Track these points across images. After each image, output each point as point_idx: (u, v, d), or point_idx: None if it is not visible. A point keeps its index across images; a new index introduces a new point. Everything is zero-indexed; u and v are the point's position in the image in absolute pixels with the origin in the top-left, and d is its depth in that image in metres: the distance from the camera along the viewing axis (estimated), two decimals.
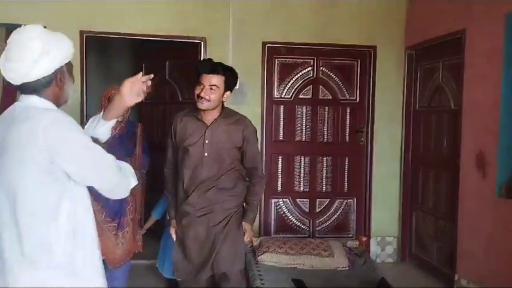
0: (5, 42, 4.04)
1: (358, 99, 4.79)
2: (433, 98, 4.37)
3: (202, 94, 2.57)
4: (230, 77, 2.65)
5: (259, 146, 4.48)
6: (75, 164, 1.58)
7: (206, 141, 2.64)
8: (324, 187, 4.83)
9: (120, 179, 1.69)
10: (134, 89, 1.73)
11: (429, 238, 4.38)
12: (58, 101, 1.70)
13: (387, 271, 3.64)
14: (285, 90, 4.73)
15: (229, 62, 4.52)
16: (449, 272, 3.90)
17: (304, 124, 4.76)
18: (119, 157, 2.68)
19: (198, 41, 4.51)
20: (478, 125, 3.59)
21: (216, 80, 2.58)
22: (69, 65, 1.70)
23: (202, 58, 2.70)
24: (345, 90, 4.78)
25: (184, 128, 2.71)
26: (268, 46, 4.60)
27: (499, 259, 3.32)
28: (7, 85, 4.24)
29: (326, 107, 4.76)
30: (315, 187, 4.81)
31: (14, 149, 1.53)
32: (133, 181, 1.77)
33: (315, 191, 4.81)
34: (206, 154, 2.63)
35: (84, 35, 4.31)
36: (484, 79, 3.52)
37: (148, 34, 4.48)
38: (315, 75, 4.75)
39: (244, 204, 2.78)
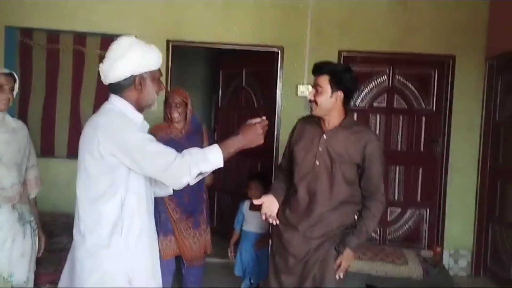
0: (99, 50, 4.47)
1: (434, 109, 4.75)
2: None
3: (308, 97, 2.43)
4: (337, 75, 2.36)
5: None
6: (124, 157, 1.76)
7: (320, 149, 2.40)
8: (396, 196, 4.82)
9: (170, 166, 1.75)
10: (255, 132, 1.90)
11: (506, 253, 4.25)
12: (140, 105, 1.89)
13: (461, 284, 3.60)
14: (360, 98, 4.78)
15: (305, 71, 4.67)
16: None
17: (378, 133, 4.79)
18: None
19: (276, 49, 4.67)
20: None
21: (320, 79, 2.36)
22: (153, 73, 1.87)
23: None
24: (421, 99, 4.75)
25: (301, 132, 2.53)
26: (344, 55, 4.67)
27: None
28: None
29: (401, 116, 4.76)
30: (387, 196, 4.79)
31: (86, 139, 1.82)
32: (193, 170, 1.79)
33: (388, 200, 4.79)
34: (317, 163, 2.40)
35: (170, 43, 4.60)
36: None
37: (229, 43, 4.69)
38: (390, 84, 4.77)
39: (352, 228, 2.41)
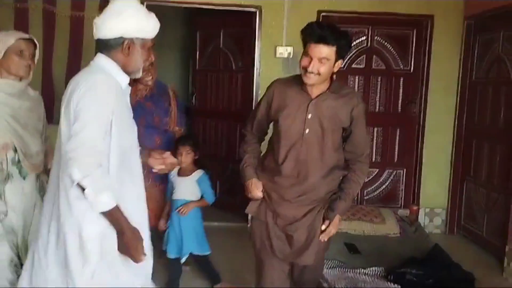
0: (71, 10, 4.22)
1: (412, 70, 4.76)
2: (490, 69, 4.30)
3: (309, 68, 2.14)
4: (344, 46, 2.18)
5: None
6: (75, 113, 1.69)
7: (309, 116, 2.24)
8: (374, 157, 4.88)
9: (82, 163, 1.62)
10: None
11: (480, 210, 4.38)
12: (126, 69, 1.83)
13: (436, 242, 3.70)
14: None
15: (283, 32, 4.60)
16: (499, 244, 3.92)
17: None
18: (156, 116, 3.02)
19: (253, 9, 4.57)
20: None
21: (327, 51, 2.12)
22: (145, 41, 1.81)
23: (310, 22, 2.17)
24: (399, 60, 4.75)
25: (284, 97, 2.32)
26: (323, 15, 4.60)
27: None
28: None
29: (379, 77, 4.76)
30: None
31: (64, 99, 1.76)
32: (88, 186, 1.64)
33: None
34: (307, 131, 2.25)
35: (145, 3, 4.44)
36: None
37: (206, 2, 4.57)
38: (369, 45, 4.74)
39: (338, 192, 2.34)
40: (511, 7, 3.87)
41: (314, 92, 2.25)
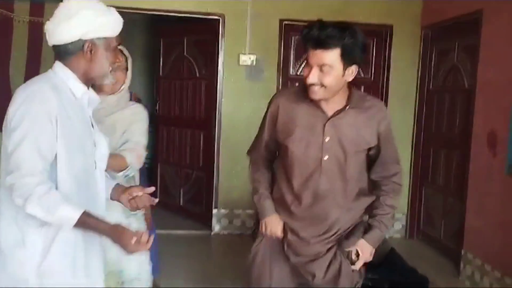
0: (29, 16, 4.03)
1: (372, 78, 4.86)
2: (447, 78, 4.43)
3: (309, 79, 1.77)
4: (351, 46, 1.76)
5: None
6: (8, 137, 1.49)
7: (327, 139, 1.84)
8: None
9: (14, 186, 1.44)
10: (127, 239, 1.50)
11: (438, 215, 4.49)
12: (87, 76, 1.61)
13: (395, 247, 3.76)
14: (301, 67, 4.80)
15: (247, 40, 4.63)
16: (456, 248, 4.02)
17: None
18: None
19: (217, 17, 4.59)
20: (491, 105, 3.65)
21: (328, 56, 1.75)
22: (109, 40, 1.59)
23: (311, 22, 1.80)
24: (359, 69, 4.81)
25: (291, 116, 1.90)
26: (285, 24, 4.66)
27: (506, 235, 3.42)
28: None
29: None
30: None
31: (8, 111, 1.53)
32: (29, 209, 1.45)
33: None
34: (326, 157, 1.86)
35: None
36: (500, 59, 3.57)
37: (167, 10, 4.55)
38: None
39: (369, 218, 1.99)
40: (465, 18, 4.01)
41: (330, 108, 1.85)
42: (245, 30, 4.62)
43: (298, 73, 4.79)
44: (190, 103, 5.15)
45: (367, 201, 1.97)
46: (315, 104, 1.85)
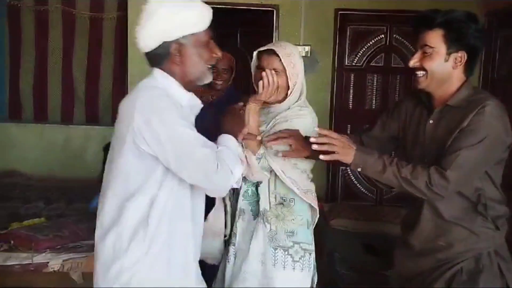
0: (89, 11, 4.00)
1: None
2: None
3: (410, 62, 1.69)
4: (456, 27, 1.63)
5: (328, 114, 4.52)
6: (158, 151, 1.40)
7: (424, 139, 1.72)
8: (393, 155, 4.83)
9: (213, 176, 1.42)
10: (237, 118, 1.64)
11: None
12: (184, 81, 1.49)
13: None
14: (357, 58, 4.71)
15: (301, 30, 4.58)
16: None
17: (374, 93, 4.74)
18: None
19: (270, 8, 4.56)
20: None
21: (430, 37, 1.64)
22: (197, 36, 1.45)
23: None
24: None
25: (411, 107, 1.82)
26: (340, 13, 4.57)
27: None
28: None
29: (398, 75, 4.70)
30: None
31: (120, 123, 1.45)
32: (236, 173, 1.48)
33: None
34: (426, 160, 1.68)
35: None
36: None
37: (221, 2, 4.57)
38: (387, 43, 4.68)
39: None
40: None
41: (439, 102, 1.71)
42: (299, 21, 4.57)
43: (354, 63, 4.70)
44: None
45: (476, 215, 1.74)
46: (427, 99, 1.75)
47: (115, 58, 4.67)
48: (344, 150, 1.62)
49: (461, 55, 1.64)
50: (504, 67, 4.34)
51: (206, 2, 4.91)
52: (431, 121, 1.72)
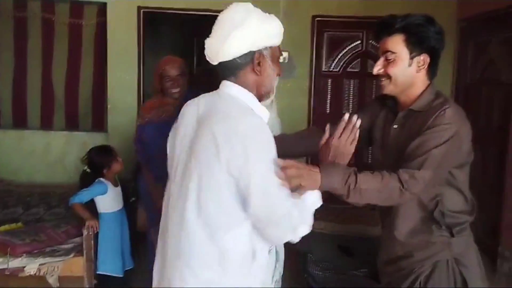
0: (69, 18, 3.93)
1: None
2: (484, 72, 4.34)
3: (374, 70, 1.71)
4: (417, 31, 1.65)
5: (306, 119, 4.59)
6: (247, 186, 1.32)
7: (390, 143, 1.75)
8: (369, 160, 4.92)
9: (286, 229, 1.38)
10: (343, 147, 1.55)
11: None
12: (259, 92, 1.47)
13: None
14: (334, 63, 4.80)
15: None
16: (493, 244, 3.95)
17: (351, 97, 4.84)
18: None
19: None
20: None
21: (391, 42, 1.66)
22: (274, 49, 1.47)
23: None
24: None
25: (376, 114, 1.87)
26: (317, 20, 4.66)
27: None
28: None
29: (374, 80, 4.80)
30: (361, 160, 4.90)
31: (208, 145, 1.34)
32: (300, 232, 1.41)
33: (361, 163, 4.90)
34: (386, 163, 1.71)
35: (142, 10, 4.52)
36: None
37: (201, 9, 4.63)
38: (363, 48, 4.79)
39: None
40: (503, 11, 3.91)
41: (403, 106, 1.75)
42: None
43: (331, 69, 4.79)
44: None
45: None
46: (394, 102, 1.77)
47: (94, 64, 4.70)
48: (310, 178, 1.47)
49: (424, 58, 1.66)
50: (477, 72, 4.47)
51: (189, 10, 4.95)
52: (395, 126, 1.74)
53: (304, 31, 4.69)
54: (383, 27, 1.69)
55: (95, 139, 4.35)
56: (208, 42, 1.46)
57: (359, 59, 4.80)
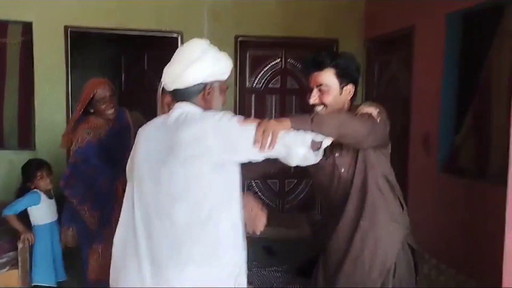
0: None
1: None
2: (388, 87, 4.87)
3: (311, 100, 2.01)
4: (344, 66, 1.99)
5: None
6: (242, 153, 1.61)
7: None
8: (292, 168, 5.28)
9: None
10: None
11: None
12: None
13: None
14: (256, 80, 5.16)
15: None
16: None
17: (274, 112, 5.21)
18: (123, 153, 2.33)
19: (175, 35, 4.88)
20: (424, 111, 4.10)
21: (324, 77, 1.98)
22: (222, 83, 1.73)
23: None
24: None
25: None
26: (240, 40, 5.00)
27: (441, 225, 3.85)
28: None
29: (294, 96, 5.21)
30: (284, 168, 5.25)
31: (185, 148, 1.56)
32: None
33: (284, 173, 5.27)
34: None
35: (69, 29, 4.62)
36: (430, 70, 4.02)
37: (128, 29, 4.81)
38: (283, 66, 5.19)
39: None
40: (401, 32, 4.46)
41: None
42: None
43: (254, 86, 5.14)
44: (152, 116, 5.38)
45: None
46: None
47: (20, 82, 4.71)
48: (279, 122, 1.64)
49: (350, 87, 2.02)
50: (382, 87, 5.00)
51: (115, 28, 5.09)
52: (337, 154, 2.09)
53: (228, 50, 4.85)
54: (316, 64, 2.01)
55: (23, 157, 4.35)
56: (167, 71, 1.69)
57: (279, 76, 5.19)
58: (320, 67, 1.98)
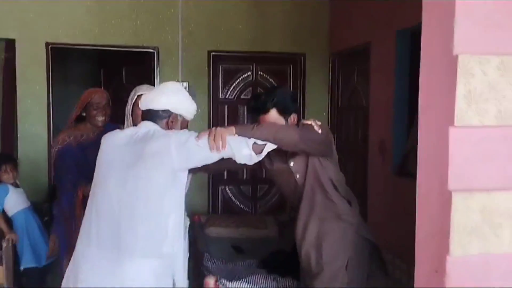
0: None
1: None
2: (350, 97, 5.24)
3: None
4: (282, 103, 2.30)
5: None
6: (199, 160, 1.99)
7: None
8: (264, 175, 5.61)
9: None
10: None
11: None
12: None
13: None
14: (229, 91, 5.49)
15: (179, 68, 5.25)
16: None
17: (245, 121, 5.53)
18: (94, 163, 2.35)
19: (152, 50, 5.19)
20: (380, 119, 4.48)
21: (269, 117, 2.28)
22: (184, 120, 2.15)
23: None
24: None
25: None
26: (213, 54, 5.33)
27: (395, 223, 4.20)
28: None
29: None
30: (256, 175, 5.58)
31: (152, 156, 1.94)
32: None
33: (257, 179, 5.60)
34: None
35: (50, 46, 4.90)
36: (384, 83, 4.40)
37: (107, 45, 5.10)
38: (254, 79, 5.53)
39: None
40: (360, 47, 4.84)
41: None
42: (177, 61, 5.25)
43: (227, 97, 5.47)
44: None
45: None
46: None
47: (3, 96, 4.95)
48: (225, 129, 2.00)
49: (294, 116, 2.36)
50: (345, 98, 5.37)
51: (94, 44, 5.37)
52: (291, 163, 2.40)
53: (201, 64, 5.33)
54: (257, 110, 2.32)
55: None
56: (146, 95, 2.13)
57: (250, 88, 5.53)
58: (263, 111, 2.29)
